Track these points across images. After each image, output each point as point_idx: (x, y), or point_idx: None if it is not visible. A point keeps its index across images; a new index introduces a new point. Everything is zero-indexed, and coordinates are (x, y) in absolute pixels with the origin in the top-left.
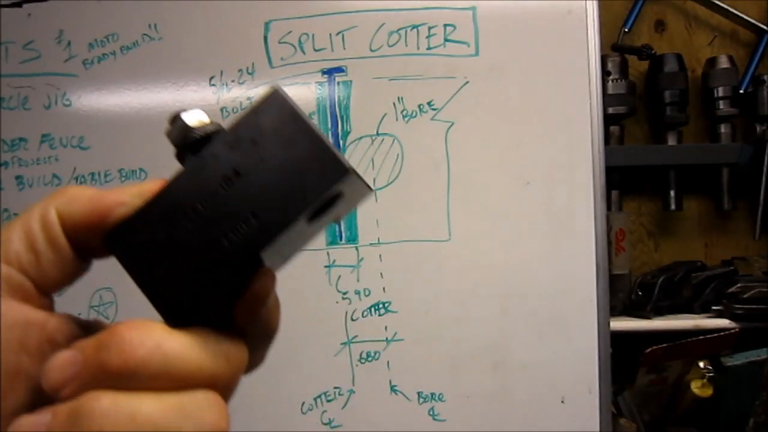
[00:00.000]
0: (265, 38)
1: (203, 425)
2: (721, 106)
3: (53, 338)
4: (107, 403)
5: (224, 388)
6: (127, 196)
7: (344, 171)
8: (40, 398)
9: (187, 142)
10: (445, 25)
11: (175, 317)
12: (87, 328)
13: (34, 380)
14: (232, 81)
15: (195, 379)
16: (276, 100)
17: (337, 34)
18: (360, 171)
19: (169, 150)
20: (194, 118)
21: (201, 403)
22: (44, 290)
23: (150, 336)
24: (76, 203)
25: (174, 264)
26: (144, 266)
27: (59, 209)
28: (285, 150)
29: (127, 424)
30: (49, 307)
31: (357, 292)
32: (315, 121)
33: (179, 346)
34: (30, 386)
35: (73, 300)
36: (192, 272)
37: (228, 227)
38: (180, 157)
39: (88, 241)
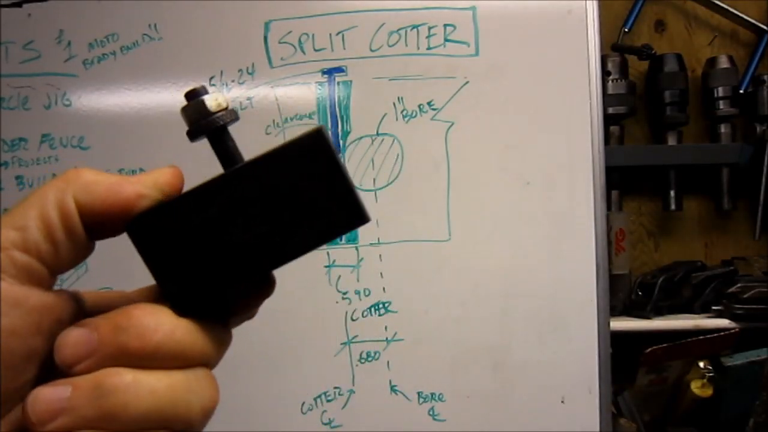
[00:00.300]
0: (265, 38)
1: (204, 398)
2: (721, 106)
3: (61, 318)
4: (129, 379)
5: (213, 366)
6: (145, 188)
7: (364, 219)
8: (45, 373)
9: (203, 124)
10: (445, 25)
11: (182, 307)
12: (78, 303)
13: (42, 357)
14: (232, 81)
15: (196, 360)
16: (318, 139)
17: (337, 34)
18: (360, 171)
19: (170, 151)
20: (214, 101)
21: (201, 379)
22: (55, 273)
23: (164, 322)
24: (94, 192)
25: (191, 263)
26: (161, 258)
27: (77, 197)
28: (316, 186)
29: (147, 399)
30: (54, 286)
31: (357, 292)
32: (316, 121)
33: (188, 333)
34: (39, 363)
35: None
36: (207, 274)
37: (249, 242)
38: (192, 135)
39: (104, 228)
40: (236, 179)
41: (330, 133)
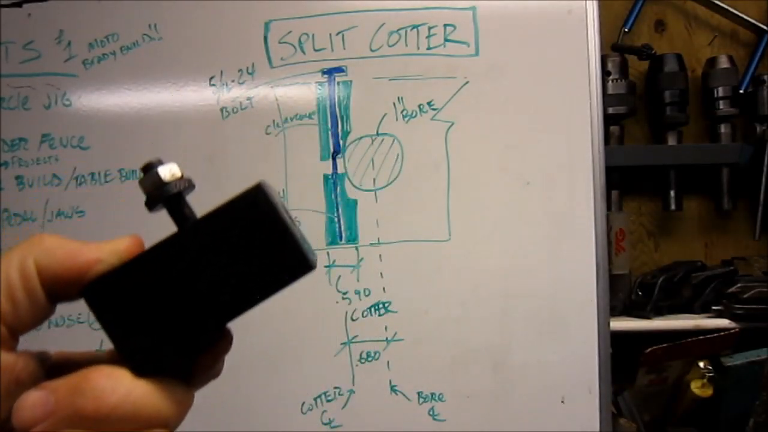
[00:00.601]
0: (265, 38)
1: None
2: (721, 106)
3: (20, 378)
4: None
5: (173, 427)
6: (103, 254)
7: (310, 267)
8: None
9: (159, 194)
10: (445, 25)
11: (140, 368)
12: (41, 362)
13: (1, 419)
14: (232, 81)
15: (153, 422)
16: (259, 194)
17: (337, 34)
18: (360, 171)
19: (169, 150)
20: (168, 172)
21: None
22: (15, 333)
23: (121, 384)
24: (54, 256)
25: (146, 324)
26: (117, 321)
27: (37, 261)
28: (261, 238)
29: None
30: (15, 347)
31: (357, 292)
32: (315, 121)
33: (144, 395)
34: None
35: (74, 303)
36: (162, 333)
37: (200, 299)
38: (149, 205)
39: (63, 291)
40: (185, 238)
41: (271, 187)
